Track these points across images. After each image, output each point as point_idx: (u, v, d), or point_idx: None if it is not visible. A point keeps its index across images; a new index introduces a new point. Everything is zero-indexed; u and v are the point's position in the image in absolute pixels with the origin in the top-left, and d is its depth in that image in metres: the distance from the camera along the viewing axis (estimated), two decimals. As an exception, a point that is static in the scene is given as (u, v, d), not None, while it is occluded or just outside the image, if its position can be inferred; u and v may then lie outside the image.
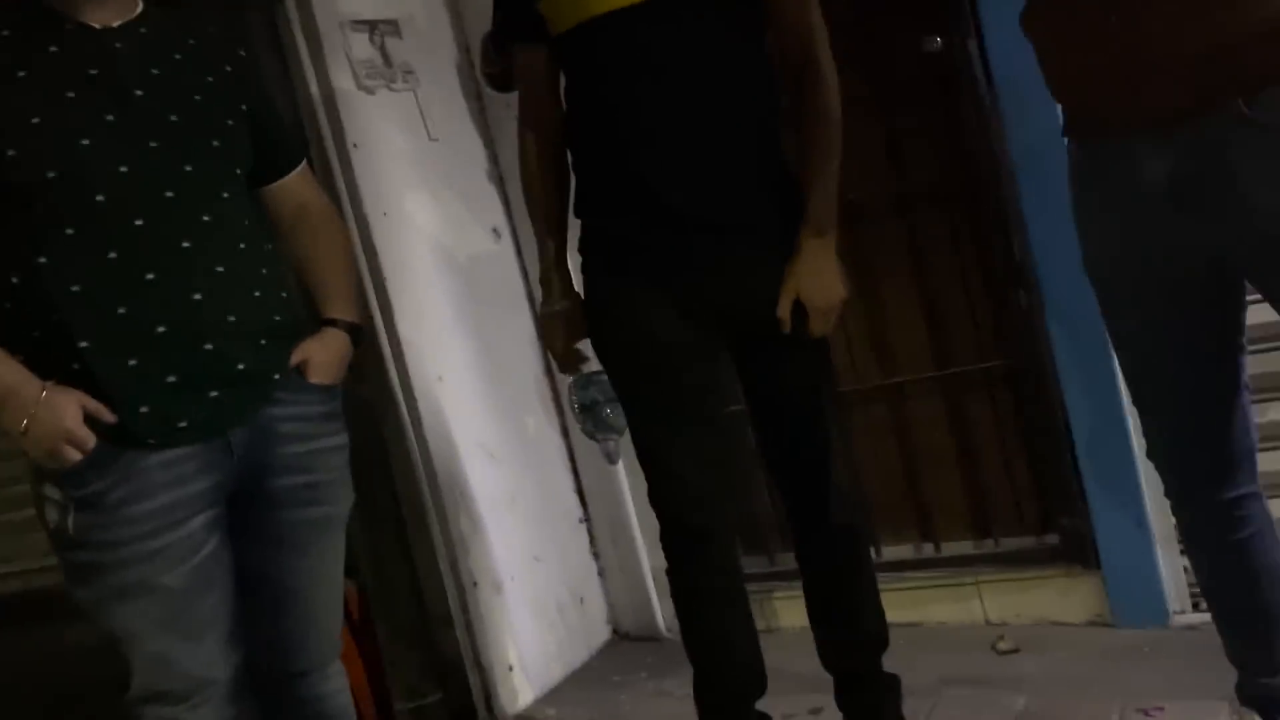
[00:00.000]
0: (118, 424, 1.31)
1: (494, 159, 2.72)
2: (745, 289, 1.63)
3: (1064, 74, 1.32)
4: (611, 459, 2.53)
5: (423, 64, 2.53)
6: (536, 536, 2.61)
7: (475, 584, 2.42)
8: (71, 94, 1.32)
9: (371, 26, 2.38)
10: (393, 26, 2.44)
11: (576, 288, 1.78)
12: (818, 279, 1.61)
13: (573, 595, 2.70)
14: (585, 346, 1.80)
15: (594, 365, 1.84)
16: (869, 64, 2.25)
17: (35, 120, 1.30)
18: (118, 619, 1.36)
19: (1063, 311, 2.16)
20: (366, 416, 2.27)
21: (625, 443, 2.27)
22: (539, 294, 1.83)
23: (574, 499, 2.76)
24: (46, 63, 1.33)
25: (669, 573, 1.78)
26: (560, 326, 1.76)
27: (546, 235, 1.76)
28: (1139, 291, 1.36)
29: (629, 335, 1.70)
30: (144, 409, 1.33)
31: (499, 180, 2.73)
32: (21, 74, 1.31)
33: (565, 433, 2.76)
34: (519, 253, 2.73)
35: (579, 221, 1.75)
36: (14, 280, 1.32)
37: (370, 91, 2.36)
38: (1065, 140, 1.43)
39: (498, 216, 2.72)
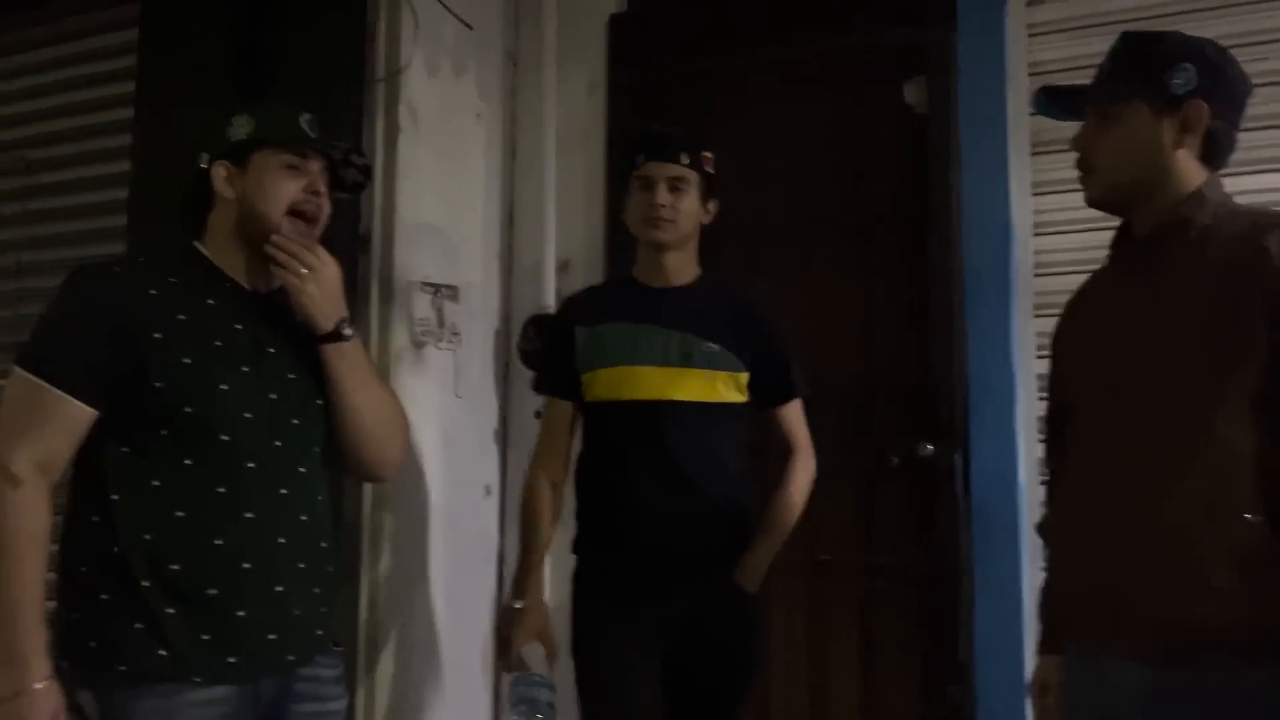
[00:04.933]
0: (170, 655, 1.39)
1: (503, 421, 2.90)
2: (706, 624, 2.00)
3: (1058, 594, 1.52)
4: None
5: (468, 327, 2.74)
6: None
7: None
8: None
9: (436, 289, 2.61)
10: (453, 291, 2.67)
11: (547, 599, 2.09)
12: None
13: None
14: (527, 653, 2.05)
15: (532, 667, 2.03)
16: (869, 454, 2.51)
17: None
18: None
19: (995, 715, 2.32)
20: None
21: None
22: (510, 557, 2.12)
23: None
24: None
25: None
26: (520, 623, 2.02)
27: (533, 550, 2.07)
28: None
29: (602, 665, 2.00)
30: (206, 637, 1.42)
31: (502, 440, 2.90)
32: None
33: (496, 702, 2.79)
34: (502, 512, 2.86)
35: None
36: (114, 497, 1.44)
37: (419, 347, 2.55)
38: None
39: (492, 474, 2.87)
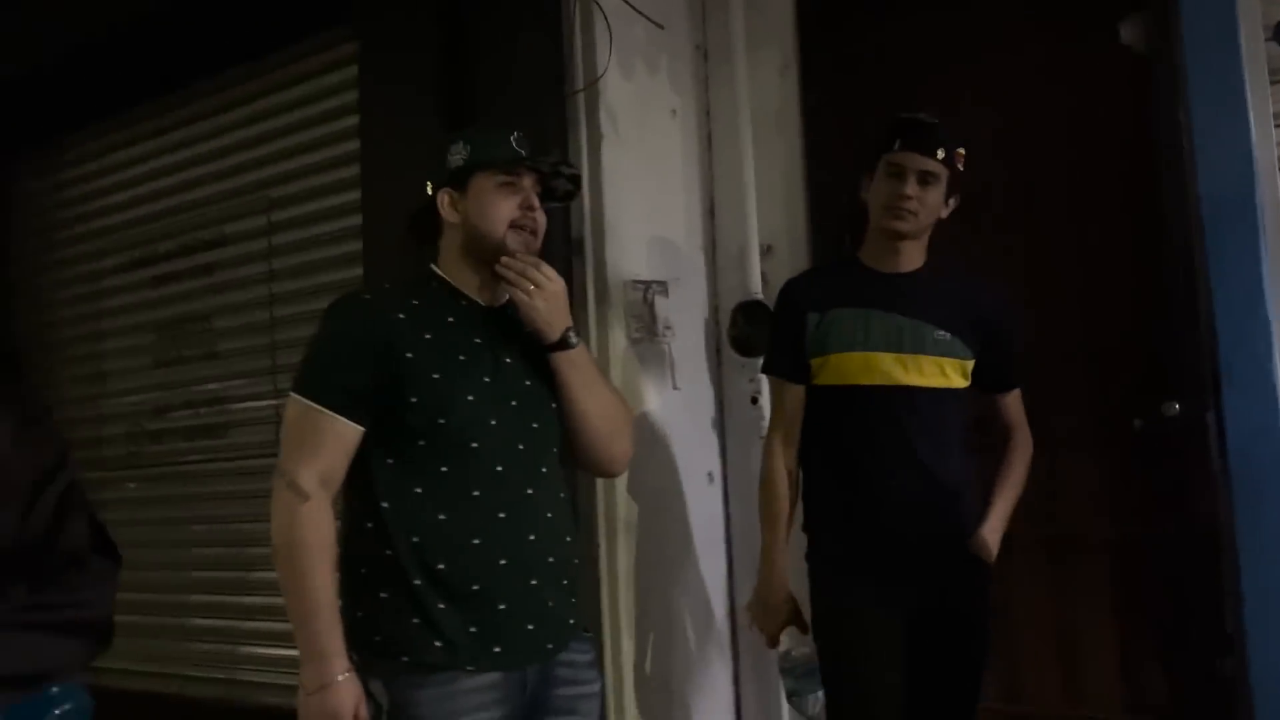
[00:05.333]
0: (444, 646, 1.52)
1: (720, 408, 2.94)
2: (949, 595, 2.04)
3: None
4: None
5: (679, 319, 2.80)
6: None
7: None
8: None
9: (647, 286, 2.68)
10: (663, 286, 2.73)
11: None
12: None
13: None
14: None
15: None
16: (1108, 418, 2.39)
17: None
18: None
19: (1271, 689, 2.16)
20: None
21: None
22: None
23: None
24: None
25: None
26: (779, 615, 2.12)
27: (777, 541, 2.12)
28: None
29: (845, 643, 2.05)
30: (473, 629, 1.54)
31: (720, 427, 2.94)
32: None
33: (736, 679, 2.84)
34: (726, 499, 2.90)
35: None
36: (384, 504, 1.57)
37: (635, 342, 2.63)
38: None
39: (713, 461, 2.91)
